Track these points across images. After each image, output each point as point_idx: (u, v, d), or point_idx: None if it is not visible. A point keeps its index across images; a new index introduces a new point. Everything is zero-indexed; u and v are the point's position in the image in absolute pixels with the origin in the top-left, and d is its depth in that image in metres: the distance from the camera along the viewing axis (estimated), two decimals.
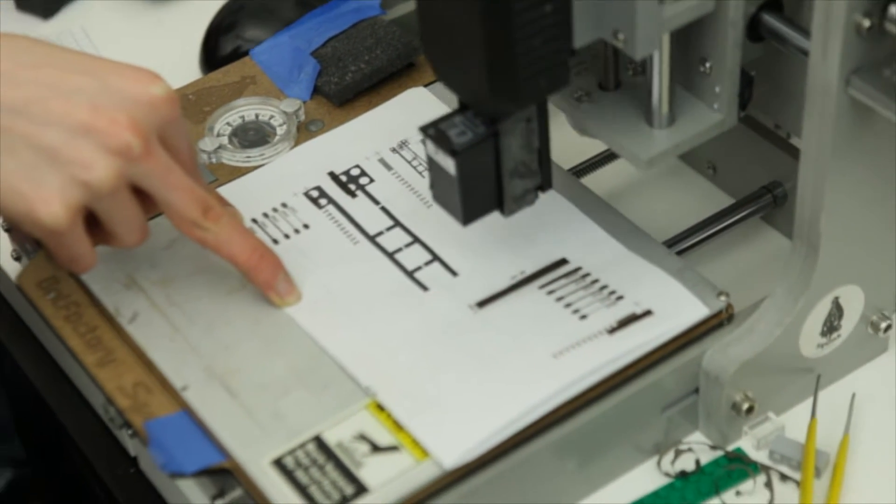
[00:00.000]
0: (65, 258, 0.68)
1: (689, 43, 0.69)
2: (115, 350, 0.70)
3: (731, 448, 0.70)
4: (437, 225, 0.74)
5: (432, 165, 0.67)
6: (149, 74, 0.67)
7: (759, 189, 0.79)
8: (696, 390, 0.70)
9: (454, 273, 0.71)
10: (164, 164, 0.66)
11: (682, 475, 0.69)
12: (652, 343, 0.67)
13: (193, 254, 0.74)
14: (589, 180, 0.81)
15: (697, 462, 0.70)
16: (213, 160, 0.79)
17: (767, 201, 0.79)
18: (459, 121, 0.66)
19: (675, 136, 0.69)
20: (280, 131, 0.81)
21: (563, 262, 0.71)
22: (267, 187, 0.77)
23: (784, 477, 0.69)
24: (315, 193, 0.76)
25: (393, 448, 0.64)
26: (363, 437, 0.65)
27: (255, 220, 0.75)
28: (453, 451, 0.63)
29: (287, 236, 0.74)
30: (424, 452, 0.64)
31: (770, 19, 0.69)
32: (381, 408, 0.66)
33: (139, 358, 0.70)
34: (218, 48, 0.93)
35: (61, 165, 0.64)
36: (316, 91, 0.83)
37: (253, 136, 0.81)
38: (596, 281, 0.70)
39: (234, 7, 0.94)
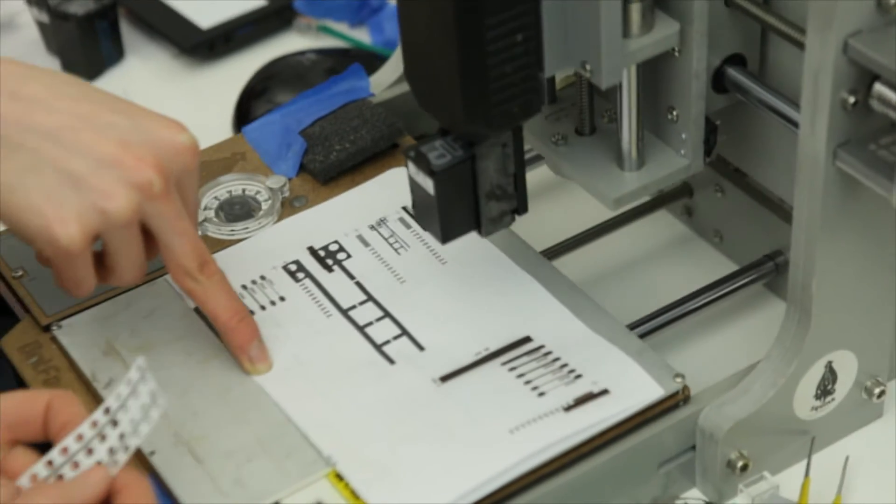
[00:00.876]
0: (70, 281, 0.70)
1: (657, 91, 0.74)
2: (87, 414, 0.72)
3: None
4: (409, 301, 0.76)
5: (414, 186, 0.71)
6: (177, 123, 0.70)
7: (762, 257, 0.81)
8: (693, 447, 0.71)
9: (421, 347, 0.73)
10: (177, 208, 0.69)
11: None
12: (606, 422, 0.69)
13: (171, 324, 0.76)
14: (597, 246, 0.84)
15: None
16: (199, 232, 0.82)
17: (769, 269, 0.81)
18: (439, 144, 0.70)
19: (644, 178, 0.74)
20: (265, 206, 0.83)
21: (526, 339, 0.73)
22: (248, 260, 0.79)
23: None
24: (293, 267, 0.79)
25: None
26: None
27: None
28: None
29: (263, 307, 0.77)
30: None
31: (733, 73, 0.73)
32: (340, 477, 0.67)
33: None
34: (250, 111, 0.98)
35: (83, 191, 0.67)
36: (302, 168, 0.85)
37: (238, 210, 0.83)
38: (557, 359, 0.72)
39: (267, 73, 1.00)
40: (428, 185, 0.70)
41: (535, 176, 0.90)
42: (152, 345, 0.75)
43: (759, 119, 0.75)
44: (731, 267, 0.84)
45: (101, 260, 0.71)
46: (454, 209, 0.70)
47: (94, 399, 0.73)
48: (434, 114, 0.70)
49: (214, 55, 1.06)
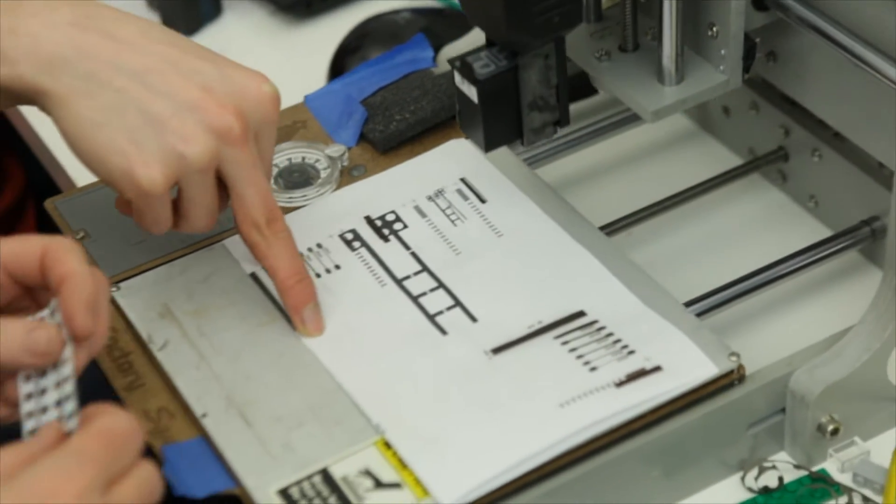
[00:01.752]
0: (149, 221, 0.71)
1: (698, 8, 0.75)
2: (144, 375, 0.73)
3: (815, 469, 0.71)
4: (463, 272, 0.75)
5: (459, 95, 0.74)
6: (261, 74, 0.71)
7: (858, 223, 0.80)
8: (783, 409, 0.71)
9: (474, 319, 0.73)
10: (253, 157, 0.70)
11: (765, 491, 0.70)
12: (658, 399, 0.68)
13: (228, 287, 0.76)
14: (686, 212, 0.85)
15: (781, 479, 0.71)
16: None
17: (866, 234, 0.80)
18: (484, 55, 0.73)
19: (683, 93, 0.76)
20: (324, 174, 0.83)
21: (580, 314, 0.72)
22: (305, 227, 0.79)
23: (866, 499, 0.70)
24: (350, 236, 0.79)
25: (395, 485, 0.66)
26: (368, 473, 0.66)
27: None
28: (453, 492, 0.65)
29: (319, 275, 0.77)
30: (425, 491, 0.65)
31: None
32: (388, 445, 0.67)
33: (166, 384, 0.72)
34: (344, 69, 0.98)
35: (165, 134, 0.68)
36: (362, 138, 0.85)
37: (297, 177, 0.83)
38: (610, 334, 0.71)
39: (361, 31, 1.00)
40: (472, 93, 0.73)
41: (610, 149, 0.91)
42: (207, 309, 0.75)
43: (861, 80, 0.74)
44: (827, 233, 0.83)
45: (174, 206, 0.71)
46: (497, 118, 0.74)
47: (150, 360, 0.74)
48: (480, 24, 0.73)
49: (311, 13, 1.06)
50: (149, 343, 0.74)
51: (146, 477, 0.59)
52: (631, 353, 0.70)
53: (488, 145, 0.75)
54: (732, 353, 0.69)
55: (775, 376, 0.70)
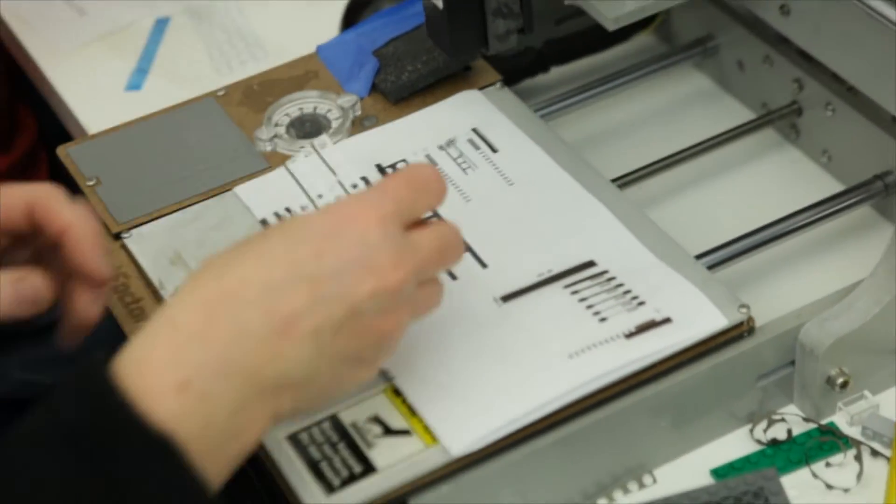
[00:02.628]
0: None
1: None
2: None
3: (824, 422, 0.71)
4: (474, 219, 0.75)
5: (426, 5, 0.77)
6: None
7: (871, 177, 0.80)
8: (793, 362, 0.71)
9: (484, 265, 0.73)
10: None
11: (774, 443, 0.71)
12: (667, 350, 0.68)
13: (239, 234, 0.76)
14: (701, 162, 0.84)
15: (790, 432, 0.71)
16: (269, 148, 0.82)
17: (879, 189, 0.80)
18: None
19: (642, 1, 0.76)
20: (335, 125, 0.83)
21: (590, 264, 0.72)
22: (315, 175, 0.79)
23: (875, 453, 0.70)
24: (361, 183, 0.79)
25: (404, 432, 0.66)
26: (377, 420, 0.67)
27: (302, 207, 0.78)
28: (461, 440, 0.65)
29: None
30: (434, 438, 0.65)
31: None
32: (397, 392, 0.68)
33: None
34: (358, 18, 0.97)
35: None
36: (374, 88, 0.85)
37: (309, 127, 0.83)
38: (620, 285, 0.71)
39: None
40: (438, 0, 0.76)
41: (624, 106, 0.91)
42: None
43: (874, 33, 0.74)
44: (840, 188, 0.83)
45: None
46: (462, 24, 0.77)
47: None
48: None
49: None
50: (160, 289, 0.75)
51: (446, 233, 0.64)
52: (641, 304, 0.70)
53: (454, 51, 0.78)
54: (742, 305, 0.69)
55: (785, 329, 0.70)
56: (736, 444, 0.72)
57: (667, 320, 0.69)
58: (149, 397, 0.56)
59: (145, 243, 0.77)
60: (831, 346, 0.69)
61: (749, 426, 0.72)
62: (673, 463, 0.71)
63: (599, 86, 0.89)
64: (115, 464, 0.55)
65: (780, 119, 0.87)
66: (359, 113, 0.84)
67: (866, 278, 0.71)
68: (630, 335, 0.68)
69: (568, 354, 0.68)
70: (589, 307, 0.70)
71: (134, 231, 0.78)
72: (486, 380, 0.67)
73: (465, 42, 0.79)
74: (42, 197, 0.64)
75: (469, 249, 0.74)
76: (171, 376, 0.57)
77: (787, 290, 0.78)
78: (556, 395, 0.66)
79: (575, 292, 0.71)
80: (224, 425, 0.58)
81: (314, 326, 0.59)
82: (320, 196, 0.78)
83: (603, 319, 0.69)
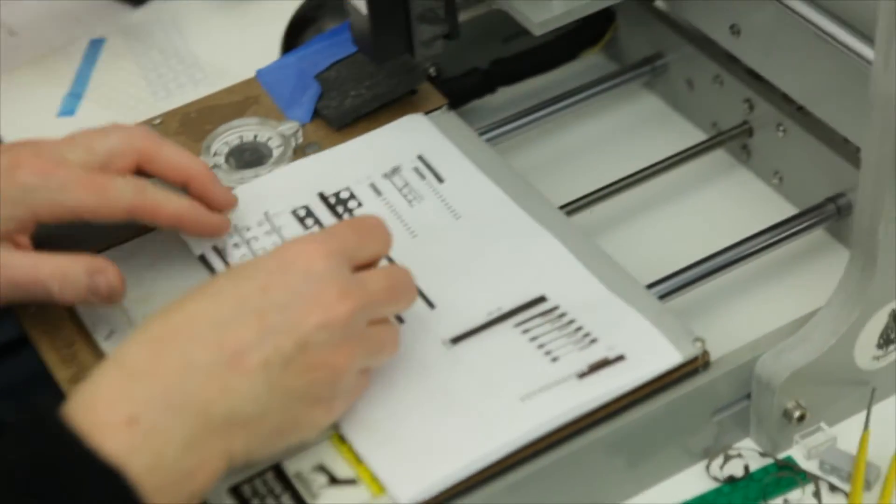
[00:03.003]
0: None
1: None
2: (88, 367, 0.70)
3: (781, 456, 0.70)
4: (420, 255, 0.73)
5: (350, 9, 0.76)
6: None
7: (823, 200, 0.78)
8: (749, 395, 0.69)
9: (432, 305, 0.71)
10: None
11: (731, 480, 0.69)
12: (621, 389, 0.66)
13: (176, 272, 0.74)
14: (651, 185, 0.82)
15: (746, 468, 0.69)
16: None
17: (831, 212, 0.78)
18: None
19: (569, 4, 0.75)
20: (276, 153, 0.80)
21: (541, 299, 0.70)
22: (255, 201, 0.76)
23: (833, 488, 0.68)
24: (302, 212, 0.76)
25: (350, 481, 0.63)
26: (322, 469, 0.64)
27: (237, 233, 0.75)
28: (410, 488, 0.63)
29: None
30: (381, 488, 0.63)
31: None
32: (343, 440, 0.65)
33: None
34: (299, 41, 0.95)
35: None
36: (316, 114, 0.83)
37: (249, 156, 0.81)
38: (572, 322, 0.69)
39: (317, 1, 0.97)
40: (361, 5, 0.75)
41: (573, 129, 0.89)
42: (154, 295, 0.73)
43: (826, 54, 0.72)
44: (792, 211, 0.81)
45: None
46: (387, 29, 0.76)
47: (95, 351, 0.71)
48: None
49: None
50: (93, 332, 0.72)
51: (395, 273, 0.65)
52: (593, 341, 0.68)
53: (378, 57, 0.76)
54: (697, 339, 0.67)
55: (740, 362, 0.68)
56: (692, 481, 0.70)
57: (620, 358, 0.67)
58: (98, 432, 0.56)
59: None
60: (787, 378, 0.68)
61: (705, 462, 0.70)
62: (630, 502, 0.69)
63: (547, 107, 0.87)
64: (68, 499, 0.54)
65: (731, 140, 0.85)
66: (300, 141, 0.81)
67: (822, 308, 0.70)
68: (583, 375, 0.66)
69: (520, 397, 0.65)
70: (540, 346, 0.68)
71: None
72: (435, 426, 0.65)
73: (390, 47, 0.77)
74: (150, 145, 0.70)
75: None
76: (120, 412, 0.57)
77: (741, 319, 0.76)
78: (508, 440, 0.64)
79: (526, 331, 0.69)
80: (175, 462, 0.57)
81: (263, 359, 0.59)
82: (260, 224, 0.75)
83: (555, 359, 0.67)
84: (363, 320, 0.62)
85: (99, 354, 0.71)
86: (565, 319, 0.69)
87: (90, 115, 0.94)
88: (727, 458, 0.70)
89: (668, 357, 0.67)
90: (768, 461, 0.70)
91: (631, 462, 0.68)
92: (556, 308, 0.70)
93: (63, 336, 0.72)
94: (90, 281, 0.68)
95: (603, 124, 0.90)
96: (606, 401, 0.66)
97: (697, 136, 0.88)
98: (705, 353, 0.68)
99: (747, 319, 0.76)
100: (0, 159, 0.69)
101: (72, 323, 0.72)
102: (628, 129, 0.89)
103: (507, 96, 0.90)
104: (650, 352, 0.67)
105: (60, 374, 0.70)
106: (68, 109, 0.95)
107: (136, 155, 0.71)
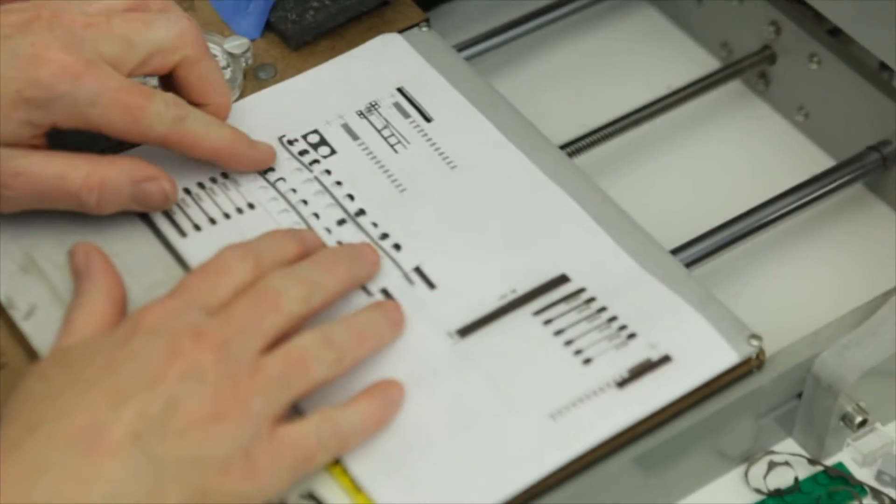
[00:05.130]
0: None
1: None
2: (6, 352, 0.57)
3: (830, 462, 0.60)
4: (412, 218, 0.60)
5: None
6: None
7: (864, 149, 0.68)
8: (798, 395, 0.59)
9: (431, 285, 0.58)
10: None
11: (777, 493, 0.59)
12: (667, 399, 0.55)
13: (114, 231, 0.60)
14: (645, 129, 0.70)
15: (796, 479, 0.60)
16: None
17: (875, 163, 0.68)
18: None
19: None
20: (225, 75, 0.66)
21: (562, 279, 0.59)
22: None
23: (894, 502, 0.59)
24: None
25: None
26: (313, 498, 0.52)
27: (187, 191, 0.62)
28: None
29: (227, 215, 0.61)
30: None
31: None
32: (335, 460, 0.53)
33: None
34: None
35: None
36: (268, 28, 0.69)
37: None
38: (603, 309, 0.57)
39: None
40: None
41: (567, 50, 0.76)
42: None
43: None
44: (819, 155, 0.71)
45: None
46: None
47: (13, 332, 0.57)
48: None
49: None
50: (9, 308, 0.58)
51: (262, 287, 0.53)
52: (631, 336, 0.56)
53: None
54: (753, 336, 0.57)
55: (797, 361, 0.58)
56: (729, 491, 0.60)
57: (665, 359, 0.56)
58: None
59: None
60: (856, 381, 0.57)
61: (743, 467, 0.60)
62: None
63: (533, 19, 0.74)
64: None
65: (750, 68, 0.74)
66: (251, 61, 0.67)
67: (893, 297, 0.59)
68: (623, 382, 0.55)
69: (549, 414, 0.54)
70: (567, 343, 0.56)
71: None
72: (449, 455, 0.53)
73: None
74: (194, 53, 0.60)
75: (413, 265, 0.59)
76: None
77: (767, 293, 0.66)
78: (539, 473, 0.53)
79: (548, 321, 0.57)
80: None
81: (129, 432, 0.48)
82: (214, 180, 0.62)
83: (587, 361, 0.56)
84: (242, 354, 0.51)
85: (18, 336, 0.57)
86: (594, 307, 0.57)
87: None
88: (770, 466, 0.60)
89: (722, 358, 0.56)
90: (817, 469, 0.60)
91: (661, 473, 0.58)
92: (581, 291, 0.58)
93: None
94: (136, 189, 0.59)
95: (593, 42, 0.77)
96: (651, 412, 0.55)
97: (700, 56, 0.76)
98: (761, 353, 0.57)
99: (775, 293, 0.66)
100: (18, 44, 0.56)
101: None
102: (623, 48, 0.77)
103: (477, 5, 0.77)
104: (701, 351, 0.56)
105: None
106: None
107: (179, 59, 0.60)
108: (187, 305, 0.52)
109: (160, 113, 0.58)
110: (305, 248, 0.56)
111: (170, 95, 0.59)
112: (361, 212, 0.61)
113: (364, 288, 0.58)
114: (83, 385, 0.49)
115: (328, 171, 0.62)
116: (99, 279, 0.55)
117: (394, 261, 0.59)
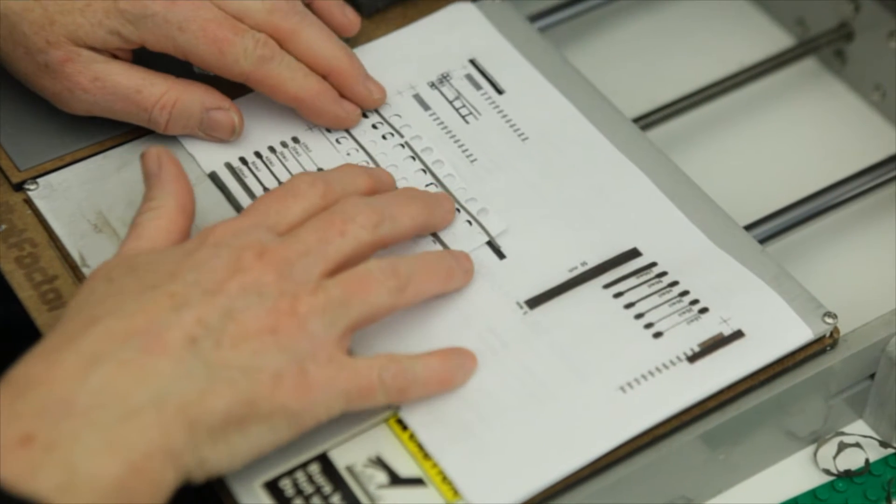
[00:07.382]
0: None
1: None
2: None
3: None
4: (483, 188, 0.60)
5: None
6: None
7: None
8: (871, 376, 0.59)
9: (501, 255, 0.58)
10: None
11: (847, 474, 0.59)
12: (740, 374, 0.55)
13: None
14: (717, 106, 0.70)
15: (867, 461, 0.59)
16: None
17: None
18: None
19: None
20: None
21: (634, 253, 0.58)
22: (275, 119, 0.63)
23: None
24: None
25: (417, 481, 0.52)
26: (380, 463, 0.52)
27: (258, 155, 0.62)
28: (492, 496, 0.51)
29: None
30: (456, 493, 0.52)
31: None
32: (403, 425, 0.53)
33: None
34: None
35: None
36: None
37: None
38: (674, 283, 0.57)
39: None
40: None
41: (637, 26, 0.76)
42: None
43: None
44: (893, 131, 0.70)
45: None
46: None
47: None
48: None
49: None
50: (81, 265, 0.58)
51: (330, 214, 0.54)
52: (703, 310, 0.56)
53: None
54: (827, 314, 0.56)
55: (871, 341, 0.57)
56: (797, 471, 0.59)
57: (737, 334, 0.55)
58: None
59: (57, 199, 0.60)
60: None
61: (811, 448, 0.60)
62: (724, 494, 0.59)
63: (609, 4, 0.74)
64: None
65: (827, 45, 0.73)
66: None
67: None
68: (694, 357, 0.55)
69: (619, 386, 0.54)
70: (638, 316, 0.56)
71: (41, 181, 0.61)
72: (520, 426, 0.52)
73: None
74: (288, 27, 0.60)
75: (483, 231, 0.59)
76: (11, 432, 0.47)
77: (839, 281, 0.65)
78: (608, 445, 0.52)
79: (618, 294, 0.57)
80: (94, 476, 0.46)
81: (186, 335, 0.49)
82: (285, 145, 0.62)
83: (658, 335, 0.55)
84: (304, 275, 0.51)
85: None
86: (665, 281, 0.57)
87: None
88: (840, 447, 0.59)
89: (796, 334, 0.55)
90: (888, 451, 0.59)
91: (729, 450, 0.57)
92: (652, 265, 0.58)
93: (42, 267, 0.58)
94: (205, 116, 0.61)
95: (666, 16, 0.77)
96: (720, 389, 0.55)
97: (775, 32, 0.75)
98: (836, 331, 0.56)
99: (849, 273, 0.65)
100: None
101: (54, 251, 0.59)
102: (697, 23, 0.77)
103: None
104: (775, 327, 0.55)
105: (41, 317, 0.57)
106: None
107: (272, 32, 0.60)
108: (255, 225, 0.53)
109: (247, 49, 0.59)
110: (378, 183, 0.57)
111: (262, 35, 0.60)
112: (437, 181, 0.61)
113: (440, 242, 0.58)
114: (146, 288, 0.50)
115: (402, 138, 0.62)
116: (171, 184, 0.55)
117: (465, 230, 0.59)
